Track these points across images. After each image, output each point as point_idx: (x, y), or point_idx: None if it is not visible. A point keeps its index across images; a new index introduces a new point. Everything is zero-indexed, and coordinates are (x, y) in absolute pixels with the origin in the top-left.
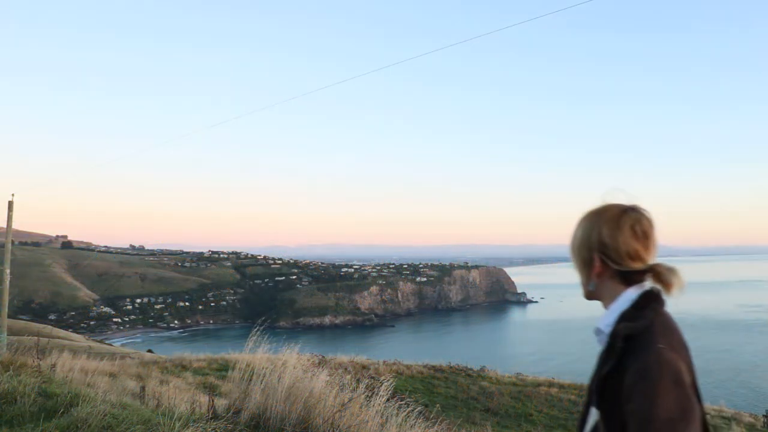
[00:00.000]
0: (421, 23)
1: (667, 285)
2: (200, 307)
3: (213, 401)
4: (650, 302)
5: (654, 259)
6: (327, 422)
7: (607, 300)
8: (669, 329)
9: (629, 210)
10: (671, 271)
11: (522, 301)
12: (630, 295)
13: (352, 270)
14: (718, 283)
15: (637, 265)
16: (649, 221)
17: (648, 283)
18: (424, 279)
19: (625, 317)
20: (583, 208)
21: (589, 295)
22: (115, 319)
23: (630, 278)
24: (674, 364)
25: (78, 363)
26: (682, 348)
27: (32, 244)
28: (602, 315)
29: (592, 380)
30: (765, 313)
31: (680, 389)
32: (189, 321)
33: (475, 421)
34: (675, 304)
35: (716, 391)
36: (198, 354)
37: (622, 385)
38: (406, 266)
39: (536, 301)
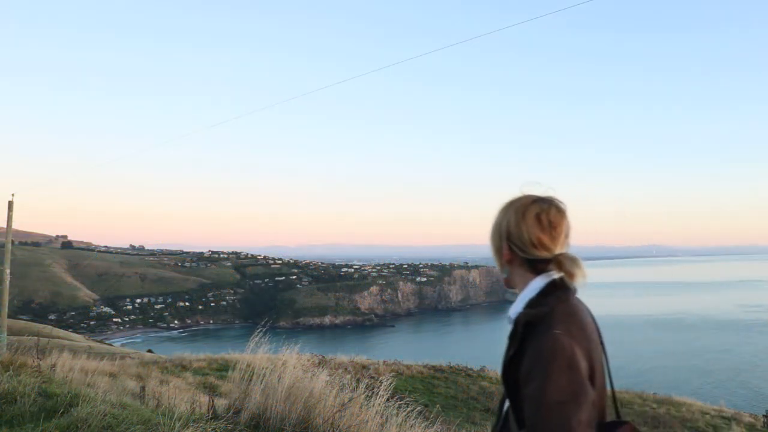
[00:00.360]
0: (421, 23)
1: (569, 275)
2: (200, 307)
3: (213, 401)
4: (555, 290)
5: (562, 249)
6: (327, 422)
7: (519, 287)
8: (570, 316)
9: (538, 201)
10: (574, 261)
11: None
12: (537, 283)
13: (352, 270)
14: (718, 283)
15: (542, 254)
16: (558, 212)
17: (552, 274)
18: (424, 279)
19: (530, 304)
20: (584, 209)
21: (506, 283)
22: (115, 319)
23: (537, 266)
24: (569, 349)
25: (78, 363)
26: (582, 335)
27: (32, 244)
28: (514, 302)
29: (501, 366)
30: (765, 313)
31: (573, 373)
32: (189, 321)
33: (475, 421)
34: (675, 305)
35: (716, 391)
36: (198, 354)
37: (521, 369)
38: (406, 266)
39: None
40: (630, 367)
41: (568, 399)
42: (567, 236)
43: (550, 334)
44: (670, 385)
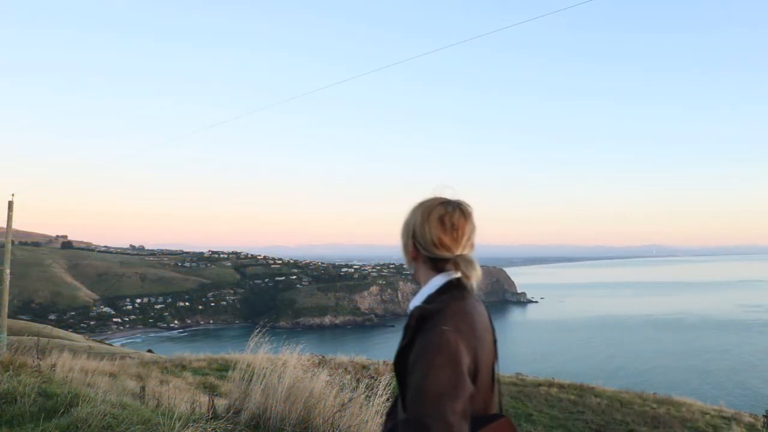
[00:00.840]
0: (421, 23)
1: (465, 276)
2: (200, 307)
3: (213, 401)
4: (451, 289)
5: (463, 250)
6: (327, 422)
7: (422, 283)
8: (461, 315)
9: (444, 203)
10: (469, 263)
11: (522, 301)
12: (437, 281)
13: (352, 270)
14: (718, 283)
15: (443, 254)
16: (462, 215)
17: (453, 273)
18: None
19: (427, 300)
20: (584, 209)
21: (414, 278)
22: (115, 319)
23: (438, 265)
24: (453, 345)
25: (78, 363)
26: (470, 333)
27: (32, 244)
28: (415, 296)
29: (394, 355)
30: (765, 313)
31: (454, 367)
32: (189, 321)
33: None
34: (675, 305)
35: (716, 391)
36: (198, 354)
37: (409, 359)
38: (406, 266)
39: (536, 301)
40: (630, 367)
41: (446, 391)
42: (470, 238)
43: (438, 330)
44: (670, 385)
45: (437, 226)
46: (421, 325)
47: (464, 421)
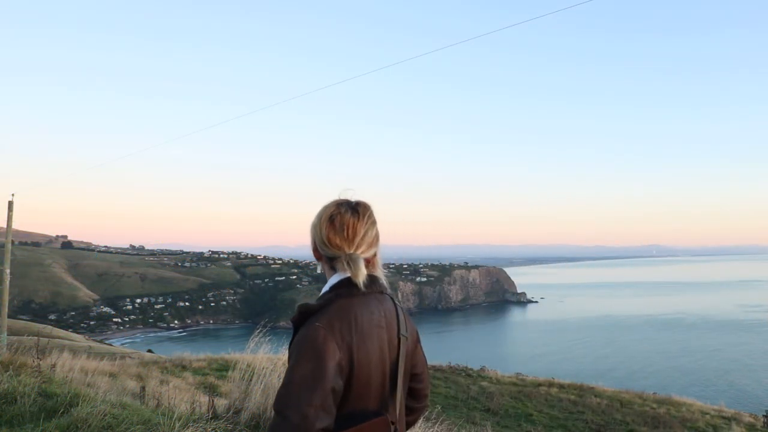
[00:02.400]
0: (421, 23)
1: (353, 274)
2: (200, 307)
3: (213, 401)
4: (339, 288)
5: (357, 250)
6: None
7: (327, 281)
8: (340, 312)
9: (339, 204)
10: (354, 262)
11: (522, 301)
12: (332, 280)
13: None
14: (718, 283)
15: (336, 252)
16: (353, 216)
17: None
18: (424, 279)
19: (319, 297)
20: (584, 209)
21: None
22: (115, 319)
23: (335, 264)
24: (320, 340)
25: (78, 363)
26: (346, 330)
27: (32, 244)
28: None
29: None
30: (765, 313)
31: (319, 362)
32: (189, 321)
33: (475, 421)
34: (675, 305)
35: (716, 390)
36: (198, 354)
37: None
38: (406, 266)
39: (536, 301)
40: (630, 367)
41: (307, 383)
42: (363, 239)
43: (311, 326)
44: (670, 385)
45: (328, 226)
46: (302, 321)
47: (322, 413)
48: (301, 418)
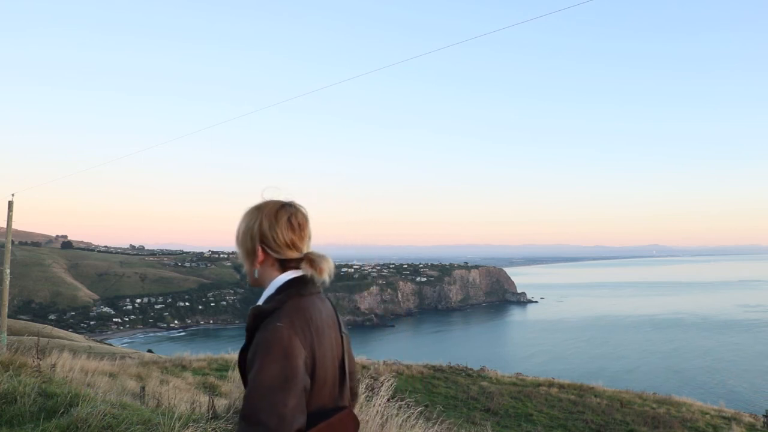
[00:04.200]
0: (421, 23)
1: (319, 270)
2: (200, 307)
3: (213, 401)
4: (289, 288)
5: (308, 248)
6: None
7: (266, 286)
8: (297, 311)
9: (286, 205)
10: (322, 258)
11: (522, 301)
12: (278, 281)
13: (352, 270)
14: (718, 283)
15: (293, 254)
16: (304, 215)
17: (298, 271)
18: (424, 279)
19: (266, 301)
20: (584, 209)
21: (254, 282)
22: (115, 319)
23: (287, 265)
24: (286, 340)
25: (78, 363)
26: (306, 329)
27: (32, 244)
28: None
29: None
30: (765, 313)
31: (287, 362)
32: (189, 321)
33: (475, 421)
34: (675, 305)
35: (716, 390)
36: (198, 354)
37: (248, 358)
38: (406, 266)
39: (536, 301)
40: (629, 367)
41: (278, 384)
42: (310, 237)
43: (273, 327)
44: (670, 385)
45: (288, 228)
46: (258, 324)
47: (298, 413)
48: (278, 421)
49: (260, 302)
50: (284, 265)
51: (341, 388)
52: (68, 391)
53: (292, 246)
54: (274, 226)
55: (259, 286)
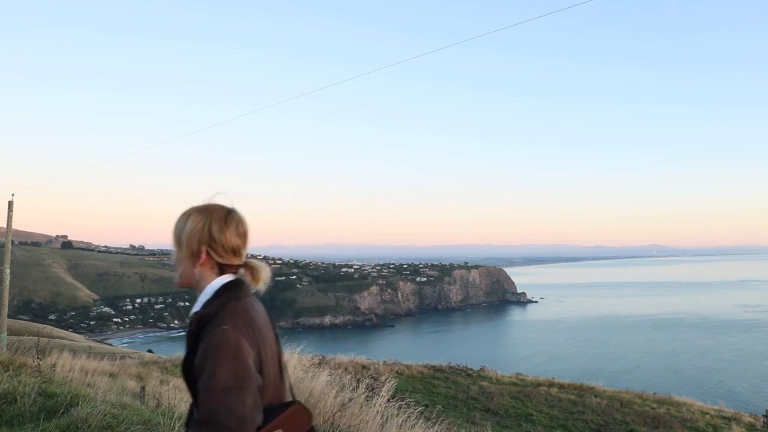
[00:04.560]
0: (421, 23)
1: (256, 278)
2: None
3: None
4: (227, 291)
5: (246, 256)
6: (327, 422)
7: (200, 289)
8: (239, 313)
9: (232, 211)
10: (261, 266)
11: (522, 301)
12: (214, 285)
13: (352, 270)
14: (718, 283)
15: (236, 261)
16: (247, 224)
17: (232, 275)
18: (424, 279)
19: (205, 305)
20: (585, 209)
21: (185, 283)
22: (115, 319)
23: (225, 270)
24: (234, 342)
25: (78, 363)
26: (249, 330)
27: (32, 244)
28: (195, 303)
29: (181, 363)
30: (765, 313)
31: (238, 362)
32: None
33: (475, 421)
34: (675, 305)
35: (716, 391)
36: None
37: (195, 364)
38: (406, 266)
39: (536, 301)
40: (630, 367)
41: (234, 385)
42: (249, 245)
43: (219, 330)
44: (670, 385)
45: (235, 235)
46: (201, 330)
47: (256, 411)
48: (239, 422)
49: (198, 307)
50: (222, 269)
51: (283, 384)
52: (68, 391)
53: (237, 253)
54: (223, 230)
55: (189, 287)
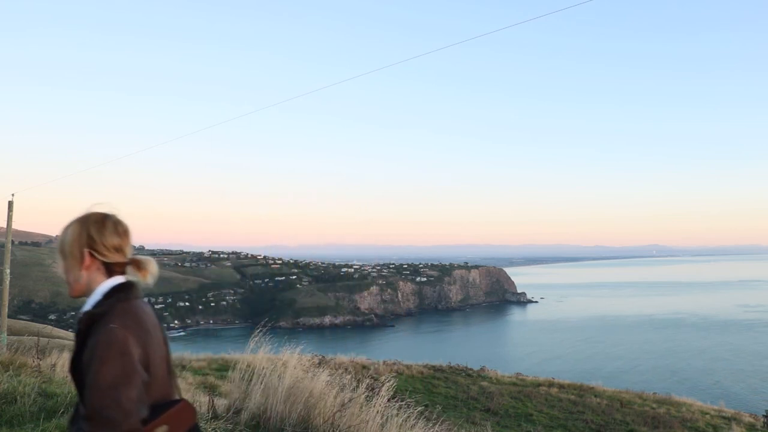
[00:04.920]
0: (421, 23)
1: (143, 273)
2: (200, 307)
3: (213, 401)
4: (117, 292)
5: (131, 253)
6: (327, 422)
7: (88, 292)
8: (128, 313)
9: (109, 215)
10: (148, 261)
11: (522, 301)
12: (104, 287)
13: (352, 270)
14: (718, 283)
15: (119, 258)
16: (126, 225)
17: (123, 277)
18: (424, 279)
19: (95, 305)
20: (585, 209)
21: (79, 291)
22: None
23: (115, 269)
24: (121, 340)
25: None
26: (137, 328)
27: (32, 244)
28: (85, 304)
29: (69, 362)
30: (765, 314)
31: (125, 359)
32: (189, 321)
33: (475, 421)
34: (675, 305)
35: (717, 390)
36: (198, 354)
37: (83, 362)
38: (406, 266)
39: (536, 301)
40: (630, 367)
41: (120, 381)
42: (133, 247)
43: (107, 328)
44: (670, 385)
45: (114, 233)
46: (90, 328)
47: (141, 405)
48: (124, 415)
49: (88, 307)
50: (110, 270)
51: (170, 383)
52: (68, 391)
53: (119, 250)
54: (102, 231)
55: (84, 295)
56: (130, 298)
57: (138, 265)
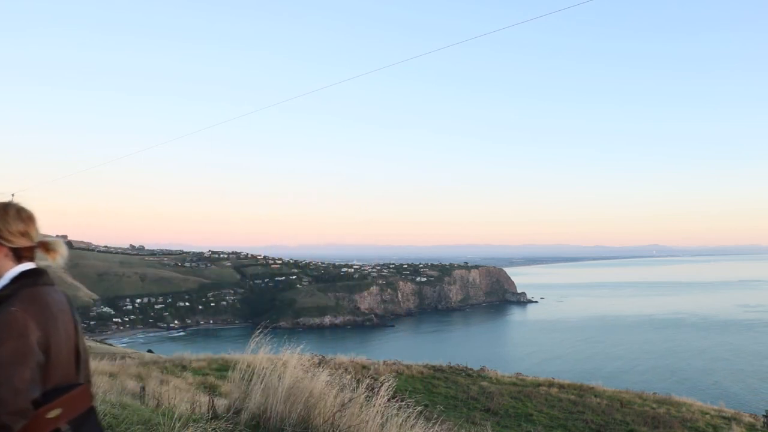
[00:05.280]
0: (421, 23)
1: (53, 254)
2: (200, 307)
3: (213, 401)
4: (24, 278)
5: (38, 237)
6: (327, 422)
7: (0, 277)
8: (31, 297)
9: (11, 203)
10: (56, 242)
11: (522, 301)
12: (12, 273)
13: (352, 270)
14: (718, 283)
15: (26, 242)
16: (31, 211)
17: (33, 263)
18: (424, 279)
19: (1, 289)
20: (585, 209)
21: None
22: (115, 319)
23: (23, 254)
24: (21, 321)
25: None
26: (39, 313)
27: None
28: None
29: None
30: (765, 313)
31: (22, 340)
32: (189, 321)
33: (475, 421)
34: (675, 305)
35: (716, 390)
36: (198, 354)
37: None
38: (406, 266)
39: (536, 301)
40: (630, 367)
41: (13, 361)
42: (39, 231)
43: (8, 311)
44: (670, 385)
45: (17, 219)
46: None
47: (32, 386)
48: (14, 393)
49: None
50: (19, 255)
51: (77, 369)
52: None
53: (25, 235)
54: (5, 218)
55: None
56: (38, 284)
57: (46, 247)
